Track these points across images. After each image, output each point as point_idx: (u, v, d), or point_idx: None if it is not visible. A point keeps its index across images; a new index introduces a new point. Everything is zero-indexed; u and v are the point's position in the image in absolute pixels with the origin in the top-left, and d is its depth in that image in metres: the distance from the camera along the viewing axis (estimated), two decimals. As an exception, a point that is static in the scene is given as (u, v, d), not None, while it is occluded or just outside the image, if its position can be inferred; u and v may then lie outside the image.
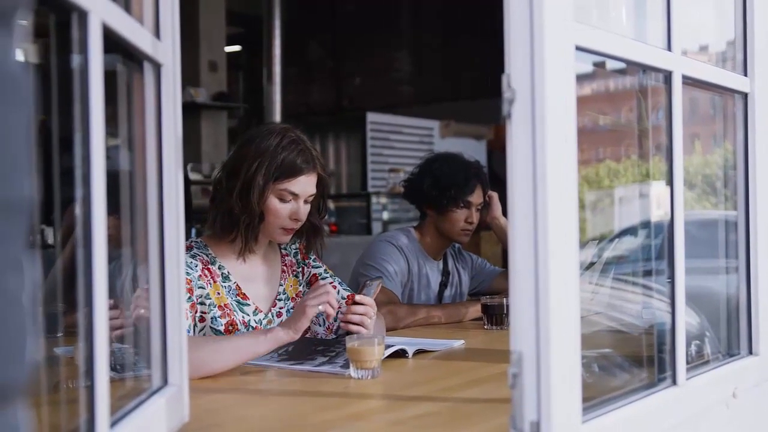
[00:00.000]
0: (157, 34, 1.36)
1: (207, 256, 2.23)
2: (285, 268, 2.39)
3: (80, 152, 1.01)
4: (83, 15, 1.00)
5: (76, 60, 1.02)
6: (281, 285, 2.36)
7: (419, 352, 2.19)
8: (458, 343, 2.36)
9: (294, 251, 2.44)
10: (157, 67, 1.36)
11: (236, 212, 2.19)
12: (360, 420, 1.57)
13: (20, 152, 0.51)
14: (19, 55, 0.55)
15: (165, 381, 1.38)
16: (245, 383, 1.86)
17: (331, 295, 2.02)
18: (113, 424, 1.09)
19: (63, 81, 1.04)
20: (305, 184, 2.23)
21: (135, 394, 1.30)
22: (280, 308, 2.33)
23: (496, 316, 2.66)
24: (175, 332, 1.39)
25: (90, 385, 1.01)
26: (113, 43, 1.12)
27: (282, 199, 2.21)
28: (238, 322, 2.20)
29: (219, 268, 2.24)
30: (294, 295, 2.37)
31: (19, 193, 0.52)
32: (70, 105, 1.02)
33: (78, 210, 1.02)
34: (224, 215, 2.21)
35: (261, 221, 2.21)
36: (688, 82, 1.61)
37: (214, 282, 2.20)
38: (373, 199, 7.37)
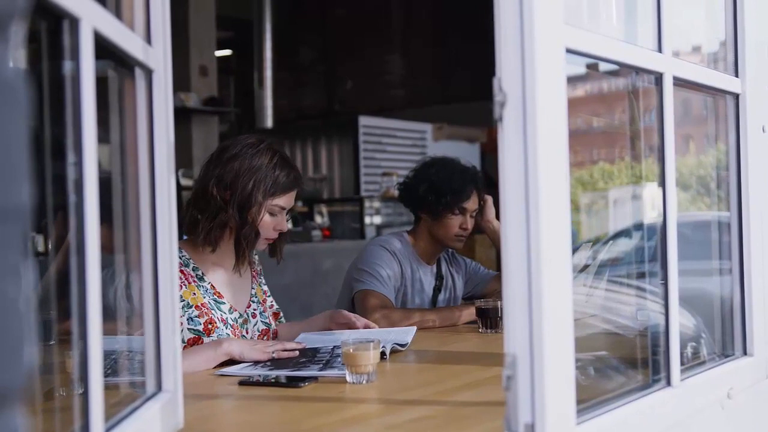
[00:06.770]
0: (148, 39, 1.36)
1: (180, 258, 2.29)
2: (254, 274, 2.52)
3: (73, 159, 1.01)
4: (75, 22, 1.00)
5: (67, 66, 1.02)
6: (253, 288, 2.48)
7: (394, 352, 2.23)
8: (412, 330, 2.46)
9: (257, 260, 2.56)
10: (148, 73, 1.35)
11: (232, 227, 2.30)
12: (356, 424, 1.57)
13: (18, 159, 0.51)
14: (15, 62, 0.55)
15: (159, 387, 1.38)
16: (239, 389, 1.86)
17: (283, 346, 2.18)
18: (107, 430, 1.09)
19: (54, 87, 1.03)
20: (292, 199, 2.38)
21: (128, 400, 1.30)
22: (254, 310, 2.45)
23: (491, 320, 2.66)
24: (168, 339, 1.39)
25: (84, 392, 1.01)
26: (104, 48, 1.12)
27: (271, 214, 2.33)
28: (216, 319, 2.28)
29: (193, 270, 2.31)
30: (261, 301, 2.50)
31: (17, 199, 0.52)
32: (62, 111, 1.02)
33: (71, 217, 1.01)
34: (218, 228, 2.29)
35: (258, 236, 2.31)
36: (679, 83, 1.61)
37: (189, 283, 2.28)
38: (366, 203, 7.35)
